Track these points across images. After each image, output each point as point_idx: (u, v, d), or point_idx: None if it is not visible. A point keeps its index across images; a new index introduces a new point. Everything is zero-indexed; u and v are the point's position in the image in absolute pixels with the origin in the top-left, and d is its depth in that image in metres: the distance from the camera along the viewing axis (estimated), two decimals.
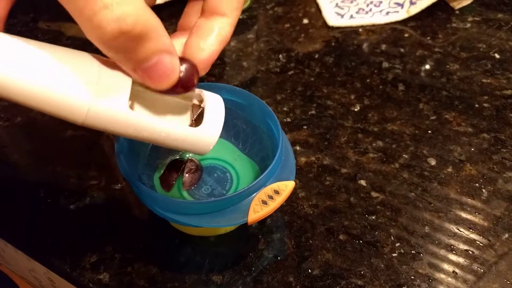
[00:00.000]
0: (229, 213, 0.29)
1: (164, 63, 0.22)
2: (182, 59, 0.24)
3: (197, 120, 0.28)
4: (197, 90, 0.29)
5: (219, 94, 0.37)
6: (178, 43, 0.27)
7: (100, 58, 0.24)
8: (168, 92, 0.24)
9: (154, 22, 0.21)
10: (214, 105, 0.28)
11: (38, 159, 0.41)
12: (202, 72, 0.26)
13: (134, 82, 0.25)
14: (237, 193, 0.29)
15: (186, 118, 0.28)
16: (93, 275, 0.33)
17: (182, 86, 0.24)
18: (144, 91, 0.26)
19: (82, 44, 0.53)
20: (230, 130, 0.39)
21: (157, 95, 0.27)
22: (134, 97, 0.25)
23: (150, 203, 0.31)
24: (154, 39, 0.21)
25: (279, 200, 0.29)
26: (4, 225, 0.36)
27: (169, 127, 0.26)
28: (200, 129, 0.27)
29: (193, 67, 0.25)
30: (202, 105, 0.28)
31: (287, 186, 0.30)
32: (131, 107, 0.25)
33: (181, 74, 0.24)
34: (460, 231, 0.36)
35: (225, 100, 0.38)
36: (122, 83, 0.24)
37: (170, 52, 0.22)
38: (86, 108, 0.23)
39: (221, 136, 0.40)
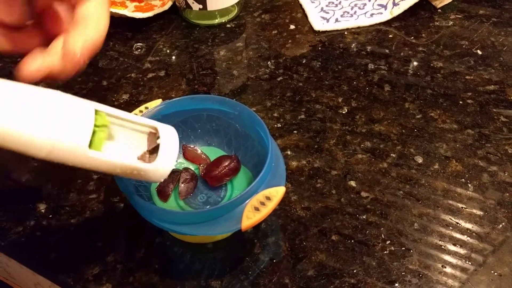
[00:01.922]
0: (223, 221, 0.31)
1: None
2: None
3: (152, 152, 0.30)
4: (153, 122, 0.30)
5: (209, 105, 0.38)
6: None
7: (64, 96, 0.26)
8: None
9: None
10: (168, 139, 0.30)
11: (37, 175, 0.42)
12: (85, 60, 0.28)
13: (102, 123, 0.27)
14: (230, 201, 0.30)
15: (142, 149, 0.30)
16: (96, 286, 0.34)
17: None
18: (103, 128, 0.28)
19: None
20: (222, 139, 0.41)
21: (116, 131, 0.28)
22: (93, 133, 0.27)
23: (148, 215, 0.32)
24: None
25: (270, 206, 0.31)
26: (7, 241, 0.38)
27: (125, 163, 0.28)
28: (154, 164, 0.29)
29: None
30: (157, 141, 0.30)
31: (278, 192, 0.32)
32: (90, 144, 0.26)
33: None
34: (448, 226, 0.37)
35: (216, 111, 0.39)
36: (84, 122, 0.26)
37: None
38: (49, 146, 0.24)
39: (214, 145, 0.41)
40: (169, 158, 0.29)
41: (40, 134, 0.24)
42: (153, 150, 0.29)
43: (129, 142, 0.29)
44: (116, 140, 0.29)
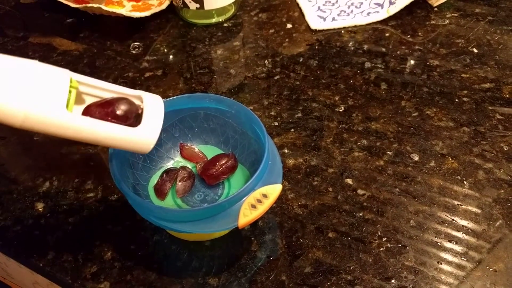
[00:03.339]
0: (220, 219, 0.31)
1: None
2: None
3: (137, 120, 0.29)
4: (137, 91, 0.30)
5: (206, 104, 0.38)
6: None
7: (39, 64, 0.26)
8: None
9: None
10: (152, 106, 0.30)
11: (35, 175, 0.42)
12: None
13: (72, 85, 0.26)
14: (226, 199, 0.31)
15: None
16: (94, 284, 0.34)
17: None
18: (83, 94, 0.27)
19: (73, 59, 0.55)
20: (219, 137, 0.41)
21: (97, 96, 0.28)
22: (73, 100, 0.27)
23: (145, 213, 0.32)
24: None
25: (267, 204, 0.31)
26: (5, 240, 0.38)
27: (108, 128, 0.27)
28: (138, 129, 0.28)
29: None
30: (141, 106, 0.29)
31: (275, 190, 0.32)
32: (70, 110, 0.26)
33: None
34: (444, 223, 0.37)
35: (213, 109, 0.39)
36: (59, 87, 0.26)
37: None
38: (23, 114, 0.24)
39: (211, 143, 0.41)
40: (153, 124, 0.29)
41: (13, 101, 0.24)
42: (138, 117, 0.29)
43: None
44: None
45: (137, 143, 0.29)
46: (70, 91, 0.27)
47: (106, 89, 0.29)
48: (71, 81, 0.27)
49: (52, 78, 0.26)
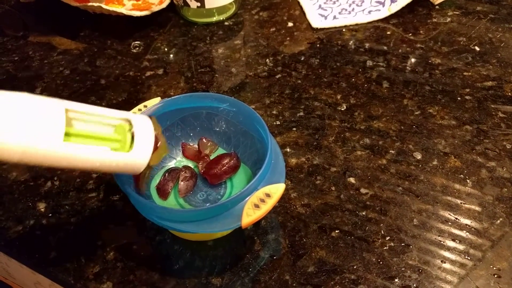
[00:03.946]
0: (223, 219, 0.31)
1: None
2: None
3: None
4: (125, 114, 0.30)
5: (208, 103, 0.38)
6: None
7: (30, 96, 0.26)
8: None
9: None
10: (143, 128, 0.30)
11: (36, 175, 0.42)
12: None
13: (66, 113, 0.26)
14: (229, 199, 0.30)
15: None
16: (96, 284, 0.34)
17: None
18: (76, 119, 0.27)
19: (74, 58, 0.55)
20: (222, 136, 0.41)
21: (88, 124, 0.28)
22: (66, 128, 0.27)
23: (148, 213, 0.32)
24: None
25: (270, 203, 0.31)
26: (6, 241, 0.38)
27: (101, 155, 0.28)
28: (132, 154, 0.29)
29: None
30: (132, 130, 0.30)
31: (277, 189, 0.32)
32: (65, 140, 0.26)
33: None
34: (447, 222, 0.37)
35: (215, 108, 0.39)
36: (55, 120, 0.26)
37: None
38: (21, 150, 0.24)
39: (214, 142, 0.41)
40: (145, 146, 0.29)
41: (10, 139, 0.24)
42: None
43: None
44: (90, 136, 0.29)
45: (130, 166, 0.29)
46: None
47: (95, 114, 0.29)
48: (66, 111, 0.27)
49: (48, 112, 0.26)
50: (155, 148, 0.31)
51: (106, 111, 0.30)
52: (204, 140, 0.40)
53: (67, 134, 0.26)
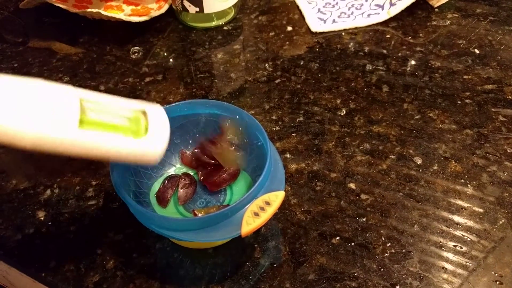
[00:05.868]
0: (223, 227, 0.31)
1: None
2: None
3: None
4: (140, 104, 0.30)
5: (207, 110, 0.38)
6: None
7: (45, 83, 0.26)
8: None
9: None
10: (157, 118, 0.30)
11: (36, 183, 0.42)
12: None
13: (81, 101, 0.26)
14: (229, 207, 0.30)
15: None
16: None
17: None
18: (90, 109, 0.27)
19: (73, 64, 0.55)
20: None
21: (102, 111, 0.28)
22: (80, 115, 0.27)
23: (147, 222, 0.32)
24: None
25: (270, 211, 0.31)
26: (6, 249, 0.37)
27: (116, 142, 0.27)
28: (146, 139, 0.28)
29: None
30: (147, 119, 0.29)
31: (277, 197, 0.31)
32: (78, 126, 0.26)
33: None
34: (448, 228, 0.37)
35: (214, 115, 0.39)
36: (70, 107, 0.26)
37: None
38: (34, 135, 0.24)
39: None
40: (160, 135, 0.29)
41: (24, 126, 0.24)
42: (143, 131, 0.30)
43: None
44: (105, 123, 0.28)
45: (145, 155, 0.29)
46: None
47: (110, 104, 0.29)
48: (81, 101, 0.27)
49: (62, 98, 0.26)
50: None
51: (121, 101, 0.29)
52: (227, 123, 0.39)
53: (81, 122, 0.26)
